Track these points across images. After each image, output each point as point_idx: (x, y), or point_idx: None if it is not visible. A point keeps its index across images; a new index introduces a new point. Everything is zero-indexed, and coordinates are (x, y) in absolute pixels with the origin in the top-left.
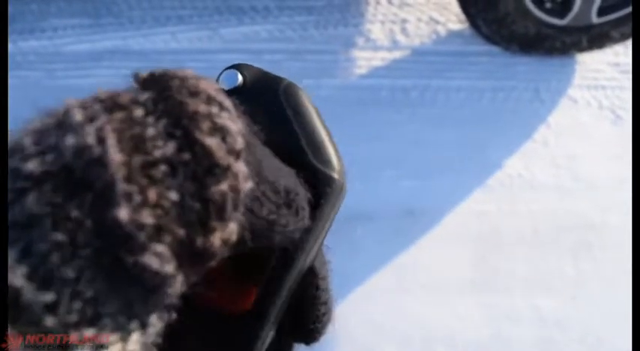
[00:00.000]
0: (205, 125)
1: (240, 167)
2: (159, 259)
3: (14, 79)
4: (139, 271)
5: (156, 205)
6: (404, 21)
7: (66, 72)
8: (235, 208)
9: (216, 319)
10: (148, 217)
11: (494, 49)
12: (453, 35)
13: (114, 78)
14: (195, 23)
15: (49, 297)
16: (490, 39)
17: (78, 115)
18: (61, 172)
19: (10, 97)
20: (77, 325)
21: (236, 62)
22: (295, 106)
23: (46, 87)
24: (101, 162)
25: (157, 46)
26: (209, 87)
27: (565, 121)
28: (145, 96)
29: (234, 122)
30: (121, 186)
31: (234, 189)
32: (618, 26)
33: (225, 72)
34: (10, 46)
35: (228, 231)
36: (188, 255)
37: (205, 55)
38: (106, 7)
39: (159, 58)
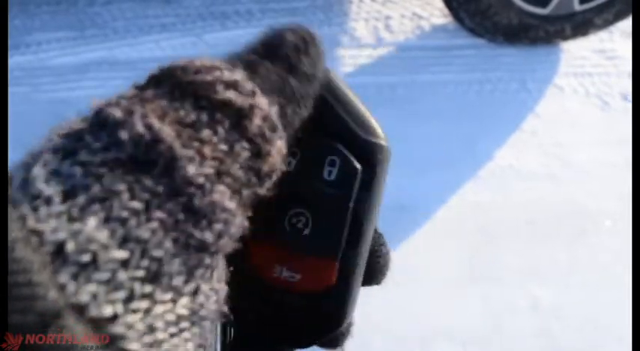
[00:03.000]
0: (219, 87)
1: (261, 100)
2: (222, 195)
3: None
4: (208, 211)
5: (213, 158)
6: (387, 18)
7: (52, 85)
8: (274, 129)
9: (299, 298)
10: (209, 168)
11: (479, 41)
12: (437, 30)
13: (101, 89)
14: (179, 30)
15: (124, 253)
16: (474, 31)
17: (118, 113)
18: (128, 161)
19: None
20: (142, 280)
21: None
22: (332, 89)
23: (33, 101)
24: (158, 141)
25: (143, 55)
26: (205, 61)
27: (553, 110)
28: (161, 90)
29: (234, 73)
30: (181, 152)
31: (265, 118)
32: (601, 13)
33: None
34: None
35: (279, 148)
36: (252, 181)
37: None
38: (90, 18)
39: (144, 66)
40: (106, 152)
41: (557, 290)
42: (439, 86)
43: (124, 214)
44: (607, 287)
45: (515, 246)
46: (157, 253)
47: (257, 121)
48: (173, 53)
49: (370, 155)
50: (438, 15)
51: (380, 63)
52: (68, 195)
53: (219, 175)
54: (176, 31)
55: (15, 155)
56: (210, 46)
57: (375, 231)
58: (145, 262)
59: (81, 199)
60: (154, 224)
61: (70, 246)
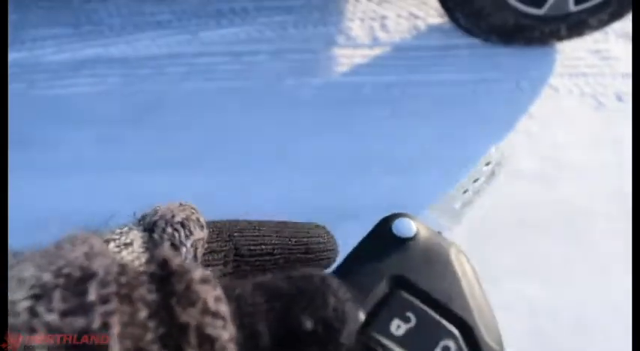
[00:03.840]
0: (192, 338)
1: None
2: None
3: None
4: None
5: None
6: (383, 17)
7: (48, 82)
8: None
9: None
10: None
11: (475, 41)
12: (432, 30)
13: (96, 86)
14: (175, 28)
15: None
16: (469, 32)
17: (92, 295)
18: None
19: None
20: None
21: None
22: (466, 275)
23: (28, 98)
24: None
25: (138, 53)
26: (209, 295)
27: (547, 110)
28: (152, 297)
29: (226, 330)
30: None
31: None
32: (596, 13)
33: (400, 219)
34: None
35: None
36: None
37: (186, 58)
38: (86, 15)
39: (140, 63)
40: (62, 318)
41: (550, 290)
42: (434, 86)
43: None
44: (602, 287)
45: (509, 247)
46: None
47: None
48: (168, 50)
49: None
50: (434, 15)
51: (375, 63)
52: None
53: None
54: (172, 29)
55: (11, 152)
56: (205, 43)
57: None
58: None
59: None
60: None
61: None
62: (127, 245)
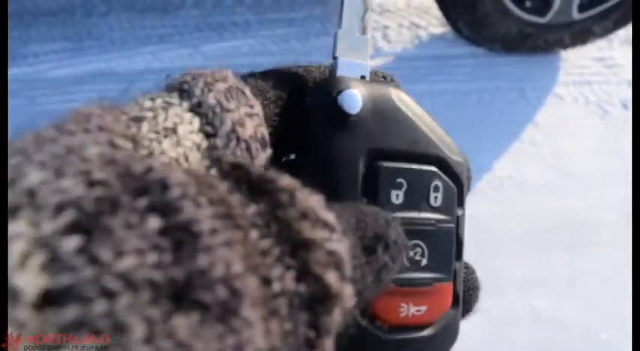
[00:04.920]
0: (320, 255)
1: (348, 290)
2: None
3: None
4: None
5: (273, 335)
6: (385, 27)
7: (49, 97)
8: (338, 326)
9: (429, 329)
10: (264, 344)
11: (478, 50)
12: (435, 39)
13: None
14: (176, 41)
15: None
16: (472, 41)
17: (204, 225)
18: (168, 284)
19: None
20: None
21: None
22: (413, 112)
23: (29, 114)
24: (226, 284)
25: (139, 67)
26: (317, 205)
27: (552, 119)
28: (253, 210)
29: (342, 244)
30: (246, 313)
31: (342, 312)
32: (600, 21)
33: (345, 94)
34: None
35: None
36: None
37: None
38: (87, 29)
39: (141, 78)
40: (141, 257)
41: (557, 301)
42: (437, 96)
43: None
44: (606, 298)
45: (515, 257)
46: None
47: (335, 314)
48: (170, 64)
49: (459, 175)
50: (436, 24)
51: None
52: (51, 298)
53: None
54: (173, 43)
55: None
56: (207, 57)
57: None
58: None
59: (69, 314)
60: None
61: None
62: (168, 130)
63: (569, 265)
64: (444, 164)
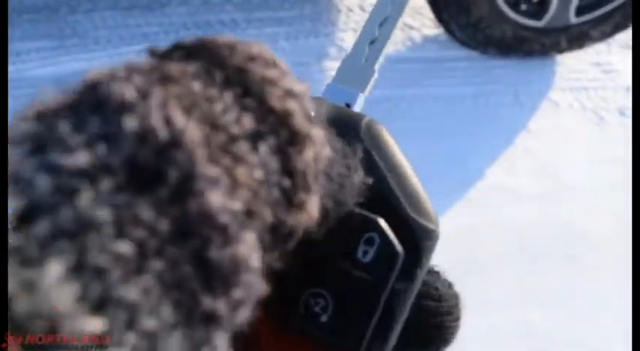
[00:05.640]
0: (277, 90)
1: (318, 132)
2: (250, 249)
3: None
4: (227, 269)
5: (244, 187)
6: None
7: (31, 97)
8: (316, 177)
9: None
10: (238, 202)
11: (472, 53)
12: (428, 41)
13: None
14: (162, 40)
15: (99, 326)
16: (466, 44)
17: (128, 92)
18: (123, 166)
19: None
20: None
21: None
22: (380, 147)
23: (11, 114)
24: (175, 144)
25: None
26: (262, 50)
27: (547, 126)
28: (194, 66)
29: (300, 83)
30: (205, 168)
31: (317, 156)
32: (598, 25)
33: None
34: None
35: (313, 204)
36: (272, 240)
37: None
38: (71, 27)
39: None
40: (90, 150)
41: (550, 314)
42: (430, 100)
43: (104, 260)
44: (601, 311)
45: (507, 269)
46: (149, 323)
47: (308, 155)
48: None
49: (418, 240)
50: (430, 26)
51: None
52: (24, 218)
53: (249, 215)
54: (159, 41)
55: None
56: None
57: (450, 286)
58: (132, 338)
59: (42, 227)
60: (148, 279)
61: (20, 308)
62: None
63: (562, 278)
64: (397, 221)
